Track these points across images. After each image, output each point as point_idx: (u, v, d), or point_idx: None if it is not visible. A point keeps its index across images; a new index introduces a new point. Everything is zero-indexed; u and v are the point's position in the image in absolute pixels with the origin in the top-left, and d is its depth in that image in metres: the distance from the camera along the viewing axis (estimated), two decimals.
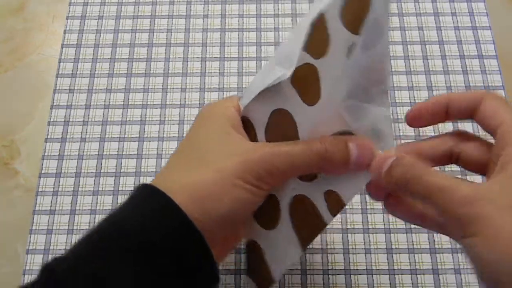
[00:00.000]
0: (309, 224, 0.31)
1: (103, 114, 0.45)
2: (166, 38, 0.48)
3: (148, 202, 0.27)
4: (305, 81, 0.28)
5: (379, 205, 0.41)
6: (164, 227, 0.26)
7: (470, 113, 0.28)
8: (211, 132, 0.29)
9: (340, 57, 0.26)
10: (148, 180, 0.32)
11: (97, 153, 0.43)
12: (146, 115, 0.45)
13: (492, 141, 0.27)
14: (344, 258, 0.39)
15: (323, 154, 0.28)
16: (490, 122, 0.26)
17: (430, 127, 0.43)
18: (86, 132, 0.44)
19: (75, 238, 0.40)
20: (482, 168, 0.27)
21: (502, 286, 0.23)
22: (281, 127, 0.30)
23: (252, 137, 0.31)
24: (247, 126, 0.31)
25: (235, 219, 0.28)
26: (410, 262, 0.39)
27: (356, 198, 0.41)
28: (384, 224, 0.40)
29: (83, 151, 0.43)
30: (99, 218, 0.41)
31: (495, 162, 0.25)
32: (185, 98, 0.45)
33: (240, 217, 0.29)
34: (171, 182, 0.27)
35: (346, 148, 0.28)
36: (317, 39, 0.27)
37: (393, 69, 0.46)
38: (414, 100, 0.45)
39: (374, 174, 0.28)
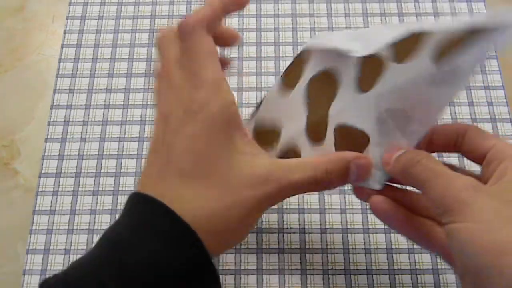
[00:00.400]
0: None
1: (103, 114, 0.45)
2: None
3: (175, 237, 0.25)
4: (370, 71, 0.29)
5: None
6: (185, 270, 0.25)
7: (454, 144, 0.29)
8: (214, 140, 0.27)
9: (411, 76, 0.27)
10: None
11: (97, 153, 0.43)
12: (146, 115, 0.45)
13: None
14: (344, 258, 0.39)
15: (326, 183, 0.29)
16: (480, 147, 0.28)
17: None
18: (86, 132, 0.44)
19: (75, 238, 0.40)
20: (481, 158, 0.28)
21: (481, 276, 0.23)
22: (322, 91, 0.31)
23: (292, 79, 0.32)
24: (295, 67, 0.33)
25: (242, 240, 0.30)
26: (410, 262, 0.39)
27: (356, 198, 0.41)
28: (384, 224, 0.40)
29: (83, 151, 0.43)
30: (99, 218, 0.41)
31: (487, 179, 0.27)
32: None
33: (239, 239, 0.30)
34: (185, 202, 0.26)
35: (347, 170, 0.29)
36: (406, 46, 0.27)
37: None
38: None
39: (384, 159, 0.29)
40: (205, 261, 0.25)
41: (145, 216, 0.26)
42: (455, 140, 0.30)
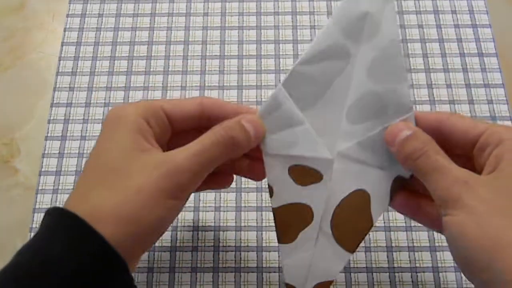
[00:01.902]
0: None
1: (103, 112, 0.45)
2: (166, 36, 0.48)
3: (72, 237, 0.25)
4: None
5: None
6: (90, 266, 0.25)
7: (437, 132, 0.29)
8: (122, 146, 0.28)
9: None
10: None
11: None
12: None
13: None
14: None
15: (230, 142, 0.29)
16: (469, 133, 0.28)
17: None
18: (86, 130, 0.44)
19: None
20: (469, 145, 0.28)
21: (471, 269, 0.25)
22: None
23: None
24: None
25: (159, 234, 0.29)
26: (410, 260, 0.39)
27: None
28: (384, 222, 0.40)
29: (83, 149, 0.43)
30: None
31: (482, 166, 0.27)
32: (185, 96, 0.45)
33: (163, 231, 0.29)
34: (92, 206, 0.26)
35: (244, 128, 0.29)
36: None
37: None
38: (414, 98, 0.45)
39: (388, 138, 0.30)
40: (105, 252, 0.25)
41: (45, 224, 0.27)
42: (438, 126, 0.29)
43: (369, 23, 0.31)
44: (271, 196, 0.32)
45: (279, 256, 0.39)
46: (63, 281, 0.24)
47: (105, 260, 0.25)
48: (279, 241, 0.32)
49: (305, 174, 0.32)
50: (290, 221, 0.32)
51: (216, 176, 0.32)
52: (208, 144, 0.28)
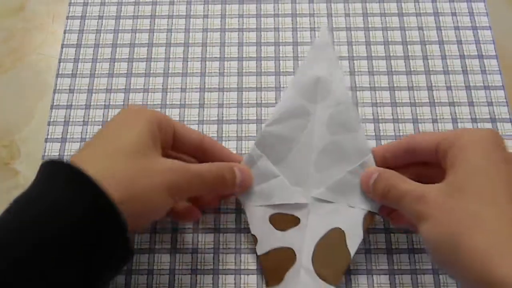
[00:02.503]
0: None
1: (103, 114, 0.45)
2: (166, 38, 0.48)
3: (71, 185, 0.27)
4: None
5: None
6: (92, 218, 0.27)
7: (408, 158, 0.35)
8: (141, 140, 0.31)
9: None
10: None
11: None
12: None
13: None
14: None
15: (220, 177, 0.34)
16: (429, 146, 0.33)
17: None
18: (86, 132, 0.44)
19: None
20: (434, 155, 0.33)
21: (443, 266, 0.30)
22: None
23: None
24: None
25: (150, 219, 0.34)
26: (410, 262, 0.39)
27: None
28: (384, 224, 0.40)
29: None
30: None
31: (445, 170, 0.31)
32: (185, 98, 0.45)
33: (154, 218, 0.35)
34: (103, 169, 0.29)
35: (234, 172, 0.35)
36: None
37: (393, 69, 0.46)
38: (414, 100, 0.45)
39: (364, 187, 0.36)
40: (106, 204, 0.27)
41: (41, 174, 0.29)
42: (407, 154, 0.35)
43: (321, 85, 0.37)
44: (255, 244, 0.37)
45: None
46: (65, 226, 0.26)
47: (100, 209, 0.27)
48: (267, 284, 0.36)
49: (284, 221, 0.37)
50: (276, 264, 0.36)
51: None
52: (204, 170, 0.33)
